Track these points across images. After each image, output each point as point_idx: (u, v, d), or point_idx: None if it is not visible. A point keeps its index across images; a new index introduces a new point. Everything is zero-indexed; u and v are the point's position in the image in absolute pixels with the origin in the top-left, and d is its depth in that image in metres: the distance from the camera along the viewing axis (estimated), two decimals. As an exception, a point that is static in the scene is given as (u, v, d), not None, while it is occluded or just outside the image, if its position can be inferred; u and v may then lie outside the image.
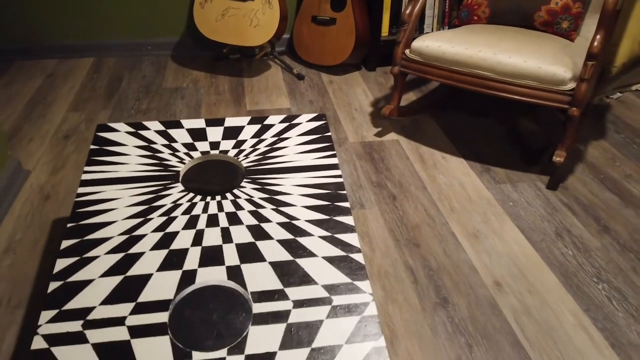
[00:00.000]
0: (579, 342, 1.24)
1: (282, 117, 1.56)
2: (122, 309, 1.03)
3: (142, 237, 1.17)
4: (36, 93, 2.44)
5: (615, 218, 1.65)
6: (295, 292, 1.07)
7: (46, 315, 1.02)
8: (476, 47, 1.79)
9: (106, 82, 2.56)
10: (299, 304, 1.05)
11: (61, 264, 1.11)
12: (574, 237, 1.57)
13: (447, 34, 1.92)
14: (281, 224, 1.21)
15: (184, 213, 1.24)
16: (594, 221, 1.63)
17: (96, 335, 0.98)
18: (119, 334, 0.99)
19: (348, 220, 1.23)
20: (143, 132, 1.48)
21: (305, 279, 1.09)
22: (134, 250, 1.15)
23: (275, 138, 1.47)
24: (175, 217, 1.22)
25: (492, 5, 2.05)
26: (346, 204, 1.27)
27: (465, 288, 1.39)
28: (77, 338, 0.98)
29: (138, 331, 0.99)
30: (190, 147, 1.44)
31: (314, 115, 1.57)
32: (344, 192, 1.30)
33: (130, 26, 2.80)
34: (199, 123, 1.53)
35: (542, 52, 1.73)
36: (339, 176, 1.35)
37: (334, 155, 1.41)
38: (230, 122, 1.54)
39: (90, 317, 1.01)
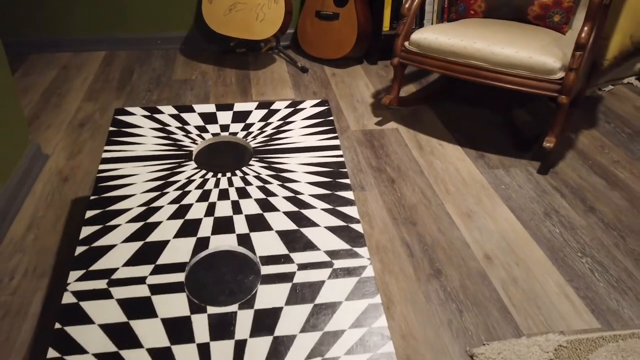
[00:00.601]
0: (561, 308, 1.34)
1: (287, 102, 1.66)
2: (142, 270, 1.13)
3: (159, 208, 1.28)
4: (51, 84, 2.55)
5: (601, 200, 1.75)
6: (300, 257, 1.17)
7: (74, 275, 1.13)
8: (471, 39, 1.89)
9: (118, 74, 2.67)
10: (302, 267, 1.15)
11: (86, 231, 1.22)
12: (561, 216, 1.67)
13: (444, 26, 2.02)
14: (287, 198, 1.32)
15: (197, 187, 1.34)
16: (580, 202, 1.73)
17: (120, 292, 1.09)
18: (140, 291, 1.09)
19: (348, 195, 1.33)
20: (158, 116, 1.59)
21: (309, 246, 1.20)
22: (152, 219, 1.25)
23: (281, 122, 1.58)
24: (189, 191, 1.33)
25: (488, 0, 2.14)
26: (347, 181, 1.37)
27: (457, 261, 1.49)
28: (102, 294, 1.08)
29: (158, 289, 1.10)
30: (201, 129, 1.54)
31: (318, 101, 1.67)
32: (345, 170, 1.40)
33: (141, 21, 2.91)
34: (210, 108, 1.63)
35: (534, 44, 1.83)
36: (340, 156, 1.45)
37: (335, 138, 1.52)
38: (238, 107, 1.64)
39: (114, 276, 1.12)
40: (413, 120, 2.24)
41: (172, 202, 1.30)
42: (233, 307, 1.07)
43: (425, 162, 1.95)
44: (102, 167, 1.40)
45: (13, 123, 1.76)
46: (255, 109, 1.64)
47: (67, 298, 1.08)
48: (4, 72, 1.73)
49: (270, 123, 1.57)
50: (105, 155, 1.44)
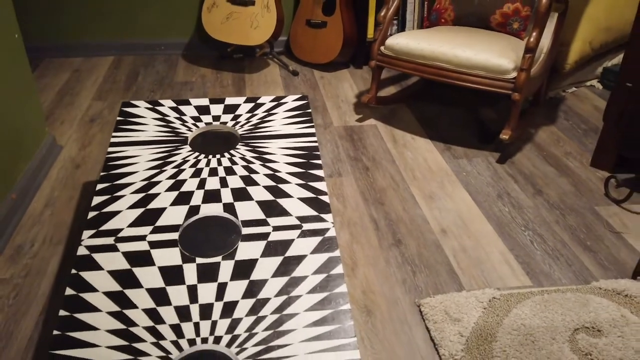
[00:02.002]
0: (501, 271, 1.56)
1: (272, 97, 1.90)
2: (143, 230, 1.37)
3: (158, 182, 1.52)
4: (64, 85, 2.80)
5: (550, 185, 1.97)
6: (275, 221, 1.40)
7: (87, 233, 1.36)
8: (437, 44, 2.12)
9: (125, 76, 2.92)
10: (276, 228, 1.38)
11: (97, 200, 1.46)
12: (512, 198, 1.89)
13: (415, 33, 2.26)
14: (267, 175, 1.55)
15: (191, 166, 1.58)
16: (531, 187, 1.96)
17: (124, 247, 1.32)
18: (141, 246, 1.33)
19: (319, 173, 1.56)
20: (159, 108, 1.83)
21: (283, 212, 1.43)
22: (152, 191, 1.49)
23: (266, 113, 1.82)
24: (184, 169, 1.56)
25: (456, 9, 2.39)
26: (318, 162, 1.60)
27: (416, 234, 1.71)
28: (110, 248, 1.32)
29: (156, 244, 1.33)
30: (196, 119, 1.78)
31: (299, 96, 1.91)
32: (318, 152, 1.64)
33: (146, 28, 3.17)
34: (204, 101, 1.88)
35: (492, 48, 2.07)
36: (315, 141, 1.68)
37: (312, 127, 1.75)
38: (229, 101, 1.88)
39: (120, 235, 1.35)
40: (391, 117, 2.48)
41: (169, 178, 1.53)
42: (217, 259, 1.30)
43: (397, 153, 2.18)
44: (110, 149, 1.64)
45: (32, 117, 2.00)
46: (244, 102, 1.88)
47: (81, 251, 1.31)
48: (26, 72, 1.98)
49: (256, 114, 1.81)
50: (113, 140, 1.68)
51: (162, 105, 1.85)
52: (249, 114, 1.82)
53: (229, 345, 1.11)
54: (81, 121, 2.43)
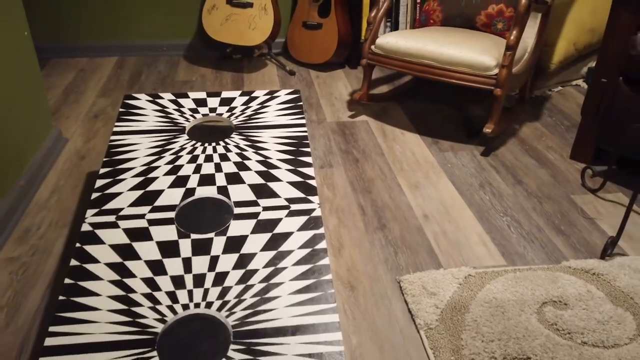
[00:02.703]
0: (478, 252, 1.66)
1: (265, 91, 2.01)
2: (143, 210, 1.47)
3: (157, 167, 1.62)
4: (70, 84, 2.92)
5: (530, 175, 2.07)
6: (265, 202, 1.51)
7: (90, 212, 1.47)
8: (424, 42, 2.23)
9: (128, 76, 3.04)
10: (266, 208, 1.49)
11: (100, 182, 1.57)
12: (493, 187, 1.99)
13: (404, 32, 2.37)
14: (258, 161, 1.66)
15: (188, 153, 1.68)
16: (511, 177, 2.06)
17: (125, 224, 1.43)
18: (140, 223, 1.43)
19: (308, 159, 1.67)
20: (159, 101, 1.95)
21: (272, 194, 1.53)
22: (151, 175, 1.60)
23: (259, 106, 1.93)
24: (181, 156, 1.67)
25: (444, 10, 2.50)
26: (307, 149, 1.71)
27: (400, 219, 1.82)
28: (112, 225, 1.42)
29: (154, 222, 1.44)
30: (194, 110, 1.89)
31: (291, 90, 2.02)
32: (307, 141, 1.74)
33: (149, 30, 3.29)
34: (202, 95, 1.99)
35: (476, 46, 2.18)
36: (305, 131, 1.79)
37: (302, 118, 1.86)
38: (225, 94, 1.99)
39: (121, 213, 1.46)
40: (382, 114, 2.59)
41: (167, 163, 1.64)
42: (210, 235, 1.40)
43: (386, 147, 2.29)
44: (113, 137, 1.75)
45: (39, 110, 2.12)
46: (239, 96, 1.99)
47: (85, 227, 1.42)
48: (34, 68, 2.10)
49: (250, 107, 1.92)
50: (115, 129, 1.79)
51: (162, 98, 1.97)
52: (244, 107, 1.93)
53: (219, 309, 1.22)
54: (86, 117, 2.55)
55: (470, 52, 2.13)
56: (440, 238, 1.72)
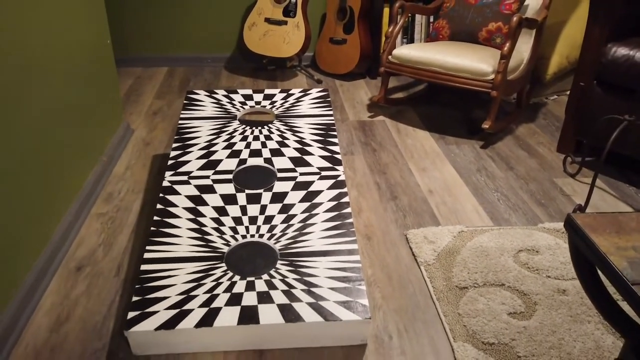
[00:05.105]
0: (471, 217, 2.05)
1: (300, 89, 2.45)
2: (207, 172, 1.91)
3: (216, 144, 2.06)
4: (130, 88, 3.42)
5: (520, 163, 2.46)
6: (300, 169, 1.93)
7: (168, 173, 1.91)
8: (433, 53, 2.66)
9: (178, 82, 3.52)
10: (302, 174, 1.91)
11: (173, 153, 2.01)
12: (488, 172, 2.38)
13: (416, 45, 2.80)
14: (295, 140, 2.09)
15: (239, 134, 2.12)
16: (505, 164, 2.45)
17: (195, 182, 1.86)
18: (207, 181, 1.86)
19: (334, 140, 2.09)
20: (214, 95, 2.40)
21: (307, 164, 1.95)
22: (212, 149, 2.03)
23: (295, 100, 2.36)
24: (234, 136, 2.11)
25: (451, 27, 2.92)
26: (334, 132, 2.13)
27: (409, 192, 2.21)
28: (185, 182, 1.86)
29: (217, 181, 1.87)
30: (242, 103, 2.34)
31: (321, 89, 2.46)
32: (334, 127, 2.17)
33: (195, 44, 3.79)
34: (248, 91, 2.44)
35: (476, 56, 2.59)
36: (332, 119, 2.22)
37: (330, 109, 2.29)
38: (267, 91, 2.44)
39: (192, 175, 1.89)
40: (397, 115, 3.00)
41: (224, 141, 2.08)
42: (260, 191, 1.82)
43: (400, 140, 2.70)
44: (180, 122, 2.20)
45: (114, 105, 2.59)
46: (279, 92, 2.43)
47: (165, 183, 1.86)
48: (112, 69, 2.58)
49: (287, 101, 2.36)
50: (182, 116, 2.24)
51: (217, 93, 2.42)
52: (283, 101, 2.37)
53: (269, 239, 1.63)
54: (146, 114, 3.02)
55: (470, 60, 2.55)
56: (441, 206, 2.12)
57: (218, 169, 1.94)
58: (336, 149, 2.05)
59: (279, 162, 1.97)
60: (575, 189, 2.24)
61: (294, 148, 2.05)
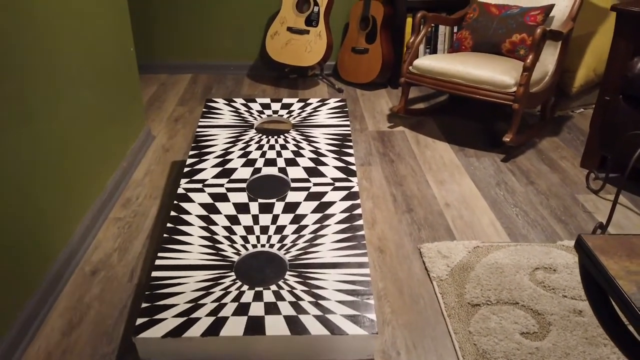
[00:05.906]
0: (488, 232, 2.00)
1: (318, 99, 2.45)
2: (222, 181, 1.92)
3: (232, 152, 2.08)
4: (153, 94, 3.47)
5: (541, 178, 2.40)
6: (314, 180, 1.92)
7: (183, 180, 1.93)
8: (454, 64, 2.63)
9: (201, 89, 3.57)
10: (316, 184, 1.90)
11: (189, 161, 2.03)
12: (507, 186, 2.34)
13: (437, 56, 2.78)
14: (311, 150, 2.08)
15: (255, 143, 2.13)
16: (525, 179, 2.39)
17: (209, 189, 1.88)
18: (221, 190, 1.87)
19: (350, 150, 2.08)
20: (232, 103, 2.42)
21: (321, 174, 1.95)
22: (228, 157, 2.05)
23: (312, 110, 2.37)
24: (250, 144, 2.12)
25: (474, 38, 2.89)
26: (350, 143, 2.12)
27: (426, 205, 2.19)
28: (199, 190, 1.87)
29: (230, 190, 1.88)
30: (260, 112, 2.35)
31: (339, 99, 2.45)
32: (350, 138, 2.16)
33: (219, 52, 3.84)
34: (267, 100, 2.45)
35: (498, 68, 2.55)
36: (349, 130, 2.21)
37: (347, 120, 2.28)
38: (285, 100, 2.45)
39: (206, 183, 1.91)
40: (417, 126, 2.98)
41: (240, 150, 2.09)
42: (273, 200, 1.83)
43: (419, 152, 2.67)
44: (198, 130, 2.23)
45: (137, 111, 2.63)
46: (297, 102, 2.44)
47: (180, 190, 1.88)
48: (135, 76, 2.63)
49: (305, 110, 2.36)
50: (200, 124, 2.27)
51: (235, 102, 2.44)
52: (300, 110, 2.37)
53: (279, 250, 1.63)
54: (168, 120, 3.07)
55: (492, 72, 2.51)
56: (457, 220, 2.08)
57: (232, 177, 1.95)
58: (351, 159, 2.04)
59: (293, 172, 1.97)
60: (598, 206, 2.18)
61: (308, 158, 2.05)
